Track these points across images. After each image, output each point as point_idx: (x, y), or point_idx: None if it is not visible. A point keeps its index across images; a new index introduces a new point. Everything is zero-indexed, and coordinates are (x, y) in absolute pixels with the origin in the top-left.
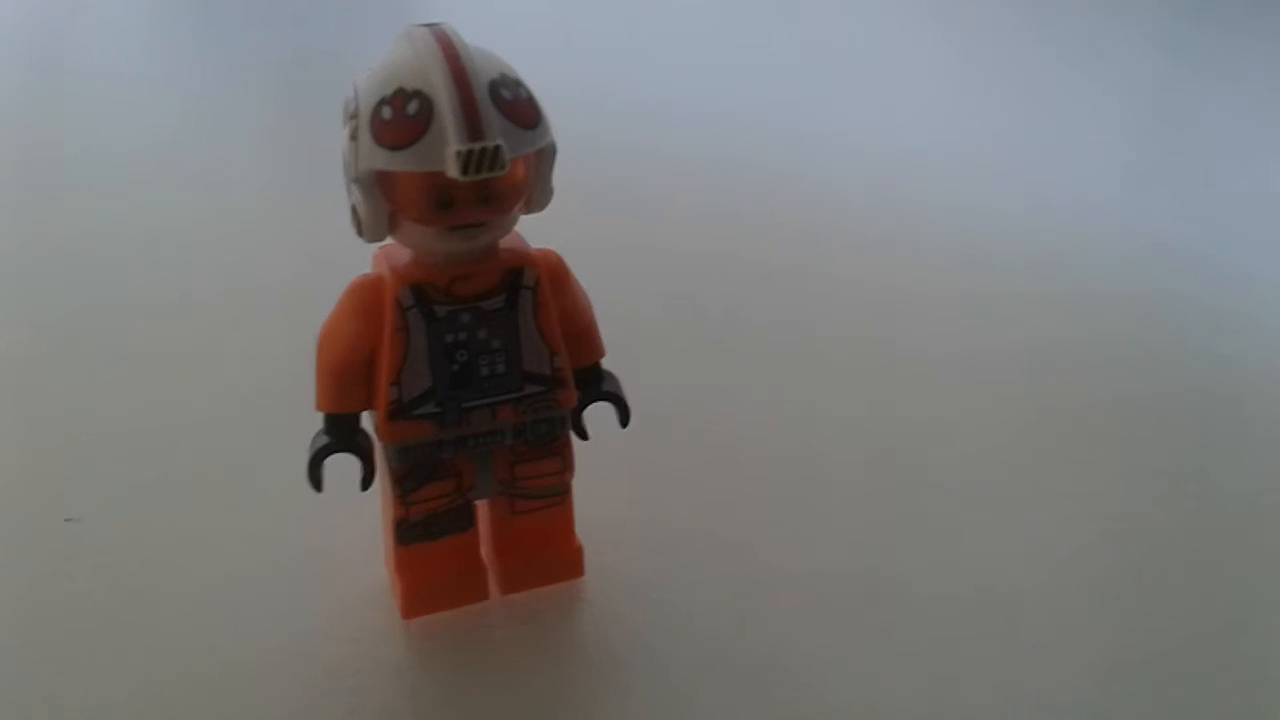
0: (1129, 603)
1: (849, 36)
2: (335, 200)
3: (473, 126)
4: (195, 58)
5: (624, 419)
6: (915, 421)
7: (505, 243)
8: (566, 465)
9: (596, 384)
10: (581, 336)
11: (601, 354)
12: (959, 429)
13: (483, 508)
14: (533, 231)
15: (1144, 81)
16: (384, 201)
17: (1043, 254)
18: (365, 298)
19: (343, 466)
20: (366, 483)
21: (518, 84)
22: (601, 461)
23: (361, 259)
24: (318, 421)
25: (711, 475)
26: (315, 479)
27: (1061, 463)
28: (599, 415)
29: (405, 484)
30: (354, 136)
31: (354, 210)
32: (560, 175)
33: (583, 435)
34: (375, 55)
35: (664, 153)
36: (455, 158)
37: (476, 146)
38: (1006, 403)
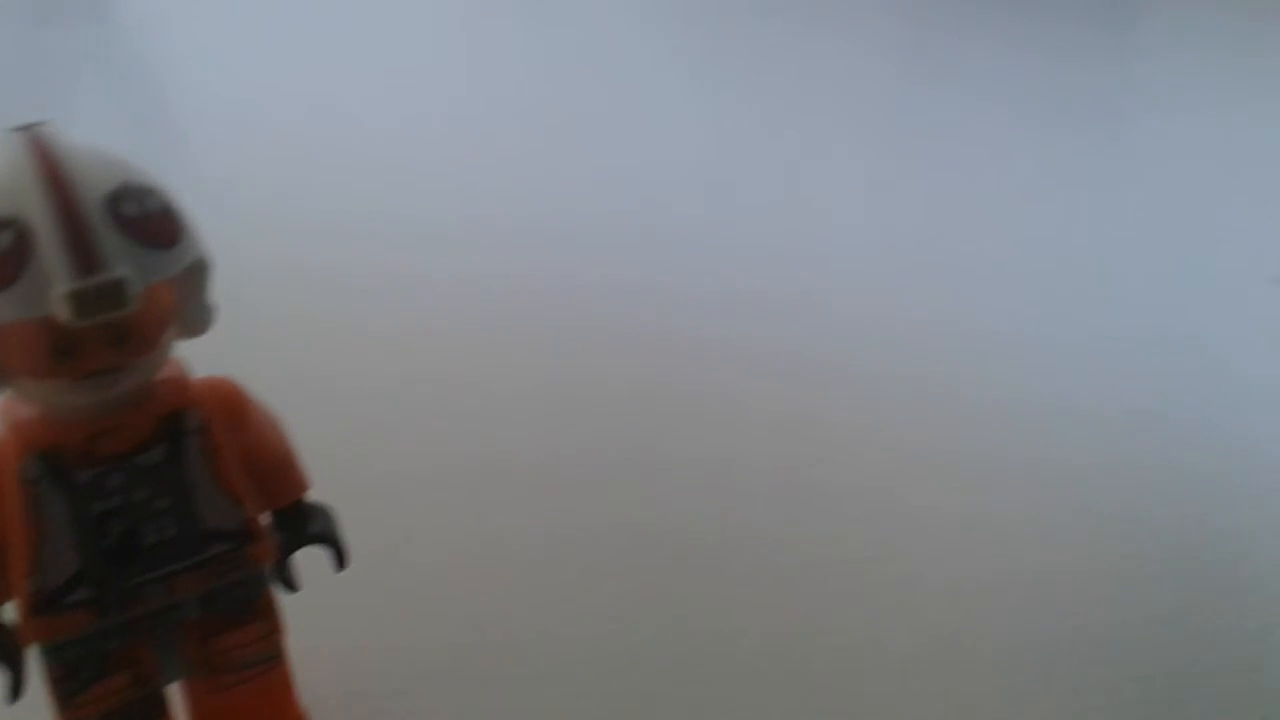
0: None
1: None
2: None
3: (84, 257)
4: None
5: (340, 561)
6: (676, 520)
7: (164, 376)
8: (274, 627)
9: (302, 525)
10: (275, 473)
11: (304, 489)
12: (715, 516)
13: (178, 688)
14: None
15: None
16: None
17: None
18: None
19: None
20: (15, 693)
21: (147, 192)
22: (325, 603)
23: None
24: None
25: (465, 599)
26: None
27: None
28: (315, 553)
29: (65, 687)
30: None
31: None
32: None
33: (291, 587)
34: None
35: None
36: (65, 299)
37: (91, 283)
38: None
